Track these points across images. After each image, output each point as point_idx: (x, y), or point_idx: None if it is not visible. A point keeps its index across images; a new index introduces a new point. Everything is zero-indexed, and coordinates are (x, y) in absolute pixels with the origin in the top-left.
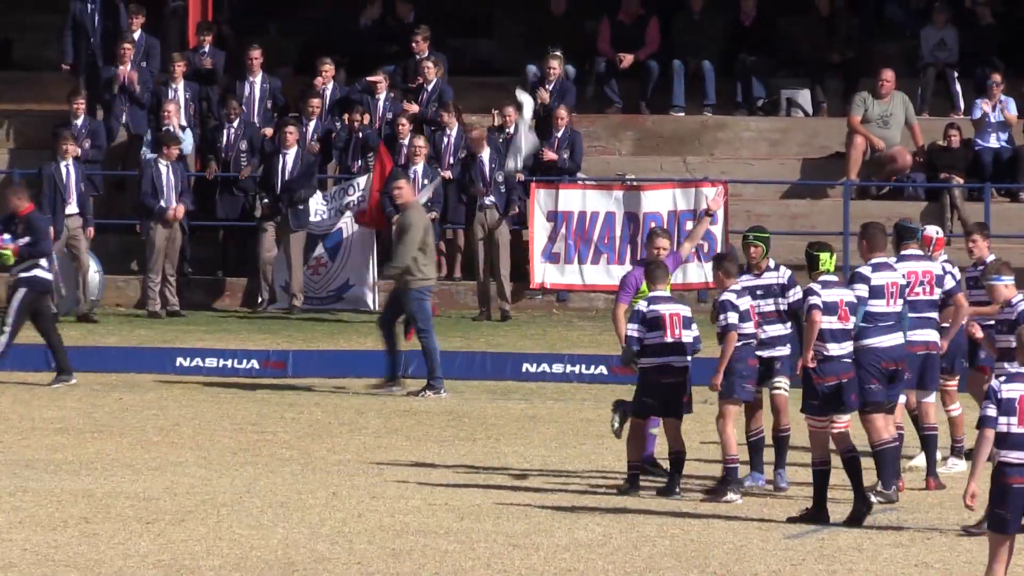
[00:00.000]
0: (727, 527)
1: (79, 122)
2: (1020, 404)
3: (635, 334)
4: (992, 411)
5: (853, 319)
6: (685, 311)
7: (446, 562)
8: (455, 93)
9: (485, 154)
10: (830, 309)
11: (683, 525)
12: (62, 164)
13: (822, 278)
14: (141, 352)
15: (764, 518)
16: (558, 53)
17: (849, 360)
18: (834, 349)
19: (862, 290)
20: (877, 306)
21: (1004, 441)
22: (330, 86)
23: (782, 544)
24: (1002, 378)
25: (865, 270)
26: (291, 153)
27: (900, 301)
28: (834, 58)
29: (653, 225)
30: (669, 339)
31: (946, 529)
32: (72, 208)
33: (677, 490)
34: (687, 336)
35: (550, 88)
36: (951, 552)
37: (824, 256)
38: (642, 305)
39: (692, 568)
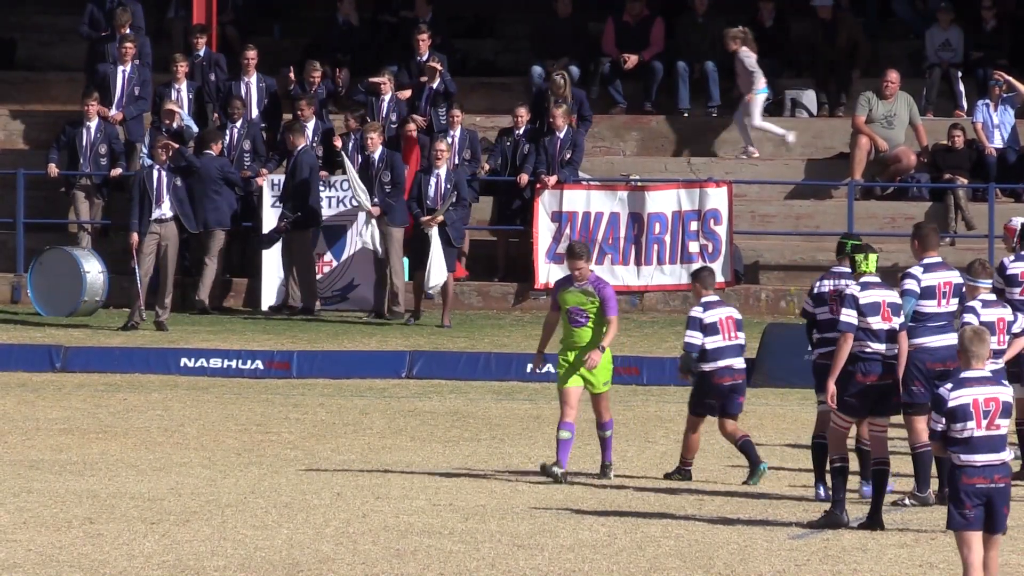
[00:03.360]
0: (732, 527)
1: (93, 124)
2: (975, 408)
3: (695, 340)
4: (940, 426)
5: (897, 318)
6: (737, 314)
7: (450, 563)
8: (459, 94)
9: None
10: (872, 310)
11: (688, 525)
12: (155, 169)
13: (863, 279)
14: (146, 353)
15: (768, 518)
16: (561, 71)
17: (894, 361)
18: (878, 348)
19: (912, 284)
20: (927, 306)
21: (966, 445)
22: (320, 87)
23: (787, 544)
24: (949, 386)
25: (916, 270)
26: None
27: (955, 301)
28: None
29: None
30: (726, 342)
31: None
32: (160, 212)
33: (759, 474)
34: (741, 338)
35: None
36: (955, 552)
37: (859, 257)
38: (697, 311)
39: (697, 568)
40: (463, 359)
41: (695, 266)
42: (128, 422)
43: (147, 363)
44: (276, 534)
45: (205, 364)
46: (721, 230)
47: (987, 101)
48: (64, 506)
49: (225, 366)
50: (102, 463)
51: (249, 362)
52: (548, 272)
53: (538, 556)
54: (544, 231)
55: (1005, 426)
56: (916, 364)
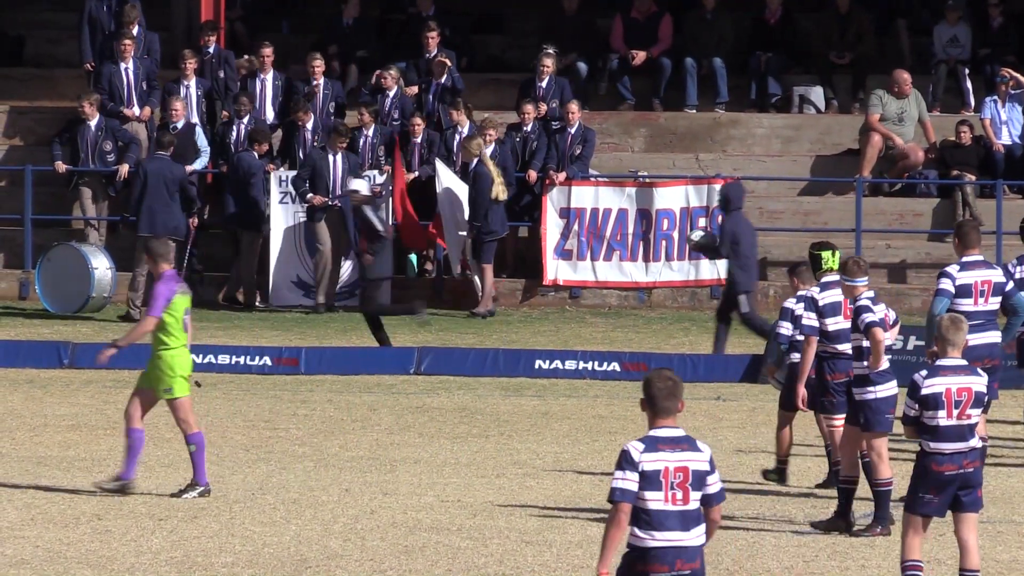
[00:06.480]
0: (740, 524)
1: (94, 123)
2: (947, 397)
3: (786, 332)
4: (914, 412)
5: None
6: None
7: (458, 559)
8: (468, 90)
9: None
10: (834, 310)
11: None
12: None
13: (824, 279)
14: None
15: (777, 515)
16: (551, 51)
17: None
18: (843, 348)
19: (946, 284)
20: (964, 304)
21: (934, 433)
22: (322, 82)
23: (795, 540)
24: (924, 372)
25: (952, 268)
26: (339, 155)
27: (996, 300)
28: (840, 59)
29: None
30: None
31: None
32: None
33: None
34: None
35: (543, 86)
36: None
37: (826, 255)
38: (790, 303)
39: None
40: (471, 355)
41: (703, 263)
42: None
43: None
44: (284, 530)
45: (213, 360)
46: None
47: (995, 97)
48: (72, 502)
49: (233, 362)
50: (110, 459)
51: (257, 358)
52: (556, 268)
53: (546, 552)
54: (552, 227)
55: (976, 415)
56: None
